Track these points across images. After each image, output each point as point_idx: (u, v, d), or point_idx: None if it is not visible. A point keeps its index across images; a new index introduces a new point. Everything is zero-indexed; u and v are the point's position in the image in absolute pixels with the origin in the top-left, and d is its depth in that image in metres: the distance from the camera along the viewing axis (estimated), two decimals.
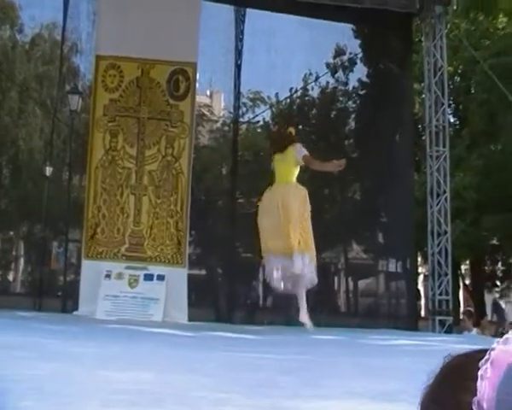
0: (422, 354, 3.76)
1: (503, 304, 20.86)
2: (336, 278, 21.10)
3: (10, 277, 20.18)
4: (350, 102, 16.72)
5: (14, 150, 15.86)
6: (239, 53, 9.55)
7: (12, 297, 15.72)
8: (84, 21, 10.36)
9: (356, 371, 2.60)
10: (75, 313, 7.93)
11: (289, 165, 6.20)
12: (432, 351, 4.14)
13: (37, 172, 15.33)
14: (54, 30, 16.00)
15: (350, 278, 19.09)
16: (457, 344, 5.22)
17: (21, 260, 19.83)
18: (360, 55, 14.71)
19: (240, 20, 9.62)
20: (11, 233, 18.42)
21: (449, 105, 11.58)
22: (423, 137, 13.06)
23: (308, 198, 6.15)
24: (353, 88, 16.18)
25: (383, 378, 2.35)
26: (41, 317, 7.11)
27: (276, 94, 17.35)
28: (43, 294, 9.98)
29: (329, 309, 16.54)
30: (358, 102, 16.13)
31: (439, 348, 4.57)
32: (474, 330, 9.04)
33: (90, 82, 10.15)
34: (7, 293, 17.92)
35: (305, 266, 5.52)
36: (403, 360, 3.20)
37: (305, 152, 6.18)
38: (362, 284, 20.38)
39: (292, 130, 6.77)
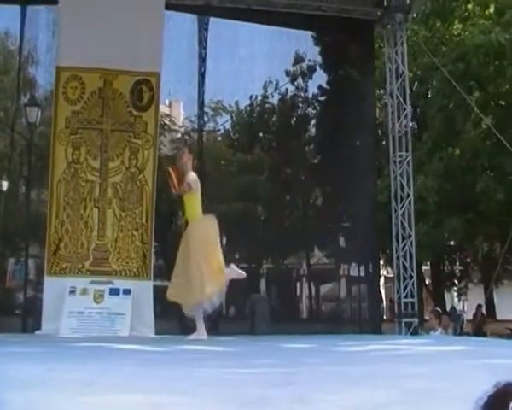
0: (402, 359, 3.79)
1: (459, 305, 21.49)
2: (298, 284, 21.22)
3: None
4: (310, 109, 16.86)
5: None
6: (202, 62, 9.49)
7: None
8: (43, 31, 10.09)
9: (341, 381, 2.57)
10: (37, 332, 7.70)
11: (188, 198, 6.39)
12: (409, 355, 4.18)
13: None
14: (7, 39, 15.62)
15: (312, 284, 19.22)
16: (430, 346, 5.30)
17: None
18: (320, 62, 14.86)
19: (203, 29, 9.57)
20: None
21: None
22: (383, 142, 13.30)
23: (216, 225, 6.22)
24: (313, 95, 16.33)
25: (371, 387, 2.32)
26: (3, 339, 6.83)
27: (237, 102, 17.41)
28: (2, 313, 9.64)
29: (291, 316, 16.61)
30: (319, 108, 16.29)
31: (415, 351, 4.61)
32: (439, 330, 9.20)
33: (48, 93, 9.92)
34: None
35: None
36: (384, 366, 3.19)
37: (188, 180, 6.32)
38: (324, 289, 20.53)
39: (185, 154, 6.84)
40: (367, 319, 10.56)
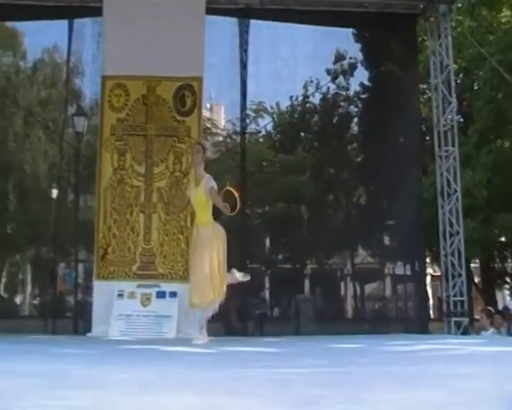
0: (454, 359, 3.72)
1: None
2: (343, 284, 21.04)
3: (17, 300, 20.21)
4: (352, 107, 16.75)
5: (20, 175, 15.94)
6: (244, 64, 9.54)
7: (20, 320, 15.73)
8: (88, 43, 10.41)
9: (393, 381, 2.54)
10: (88, 334, 7.90)
11: (202, 202, 6.05)
12: (461, 355, 4.10)
13: (43, 195, 15.41)
14: (55, 53, 16.15)
15: (357, 283, 19.03)
16: (484, 346, 5.17)
17: (29, 284, 19.85)
18: (361, 60, 14.72)
19: (244, 32, 9.62)
20: (18, 257, 18.48)
21: None
22: (427, 138, 13.05)
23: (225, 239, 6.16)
24: (355, 92, 16.22)
25: (425, 387, 2.29)
26: (55, 340, 7.05)
27: (278, 103, 17.43)
28: (54, 316, 9.95)
29: (336, 316, 16.51)
30: (361, 106, 16.16)
31: (466, 351, 4.52)
32: (491, 330, 8.95)
33: (94, 103, 10.18)
34: (15, 316, 17.91)
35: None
36: (436, 366, 3.14)
37: (212, 184, 5.99)
38: (368, 288, 20.30)
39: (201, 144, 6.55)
40: (413, 319, 10.39)
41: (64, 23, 10.04)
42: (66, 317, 10.84)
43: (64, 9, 9.68)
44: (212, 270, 5.86)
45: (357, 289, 19.17)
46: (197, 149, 6.31)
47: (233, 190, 6.10)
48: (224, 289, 6.02)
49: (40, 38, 14.70)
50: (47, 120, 15.88)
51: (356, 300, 18.69)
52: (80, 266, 11.63)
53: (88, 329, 8.09)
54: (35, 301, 18.63)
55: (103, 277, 8.28)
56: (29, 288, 19.57)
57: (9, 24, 15.35)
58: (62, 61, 13.36)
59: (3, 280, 18.73)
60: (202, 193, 5.97)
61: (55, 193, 12.48)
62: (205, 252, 5.90)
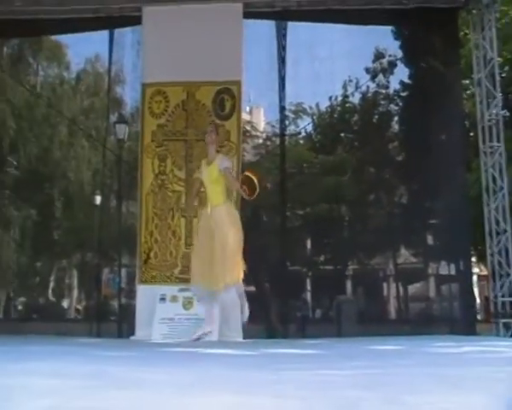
0: (499, 362, 3.61)
1: None
2: (385, 285, 20.75)
3: (65, 304, 20.81)
4: (392, 105, 16.54)
5: (65, 183, 16.44)
6: (282, 66, 9.54)
7: (67, 324, 16.19)
8: (128, 52, 10.63)
9: (435, 383, 2.49)
10: (132, 337, 8.03)
11: (215, 179, 5.87)
12: (507, 358, 3.97)
13: (87, 201, 15.83)
14: (97, 62, 16.60)
15: (400, 284, 18.74)
16: None
17: (75, 288, 20.42)
18: (401, 57, 14.52)
19: (281, 34, 9.63)
20: (64, 262, 19.04)
21: None
22: (471, 134, 12.74)
23: (239, 222, 5.99)
24: (395, 90, 16.01)
25: (467, 390, 2.24)
26: (99, 343, 7.21)
27: (317, 104, 17.35)
28: (99, 319, 10.18)
29: (379, 317, 16.29)
30: (401, 104, 15.93)
31: None
32: None
33: (134, 110, 10.38)
34: (62, 320, 18.44)
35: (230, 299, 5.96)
36: (480, 369, 3.06)
37: (227, 164, 5.87)
38: (412, 288, 19.94)
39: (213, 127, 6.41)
40: (459, 320, 10.11)
41: (104, 33, 10.28)
42: (110, 320, 11.07)
43: (104, 20, 9.91)
44: (223, 254, 5.67)
45: (400, 289, 18.86)
46: (211, 128, 6.32)
47: (251, 175, 5.94)
48: (241, 274, 5.82)
49: (82, 48, 15.18)
50: (90, 129, 16.32)
51: (399, 301, 18.41)
52: (124, 271, 11.86)
53: (131, 332, 8.23)
54: (79, 306, 19.13)
55: (146, 281, 8.41)
56: (75, 292, 20.12)
57: (53, 37, 15.87)
58: (104, 71, 13.70)
59: (51, 284, 19.31)
60: (216, 170, 5.85)
61: (98, 200, 12.77)
62: (219, 234, 5.71)
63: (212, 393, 2.17)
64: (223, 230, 5.73)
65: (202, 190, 6.45)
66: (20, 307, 19.24)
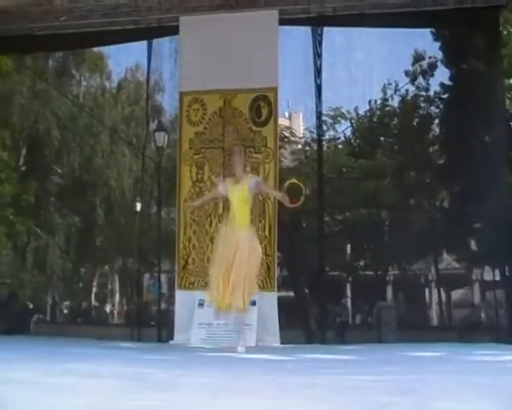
0: None
1: None
2: (427, 291, 20.39)
3: (107, 309, 21.29)
4: (432, 108, 16.31)
5: (107, 190, 16.85)
6: (319, 71, 9.53)
7: (109, 328, 16.56)
8: (166, 61, 10.87)
9: (467, 390, 2.46)
10: (171, 342, 8.14)
11: (244, 199, 5.81)
12: None
13: (128, 208, 16.17)
14: (137, 71, 17.00)
15: (442, 290, 18.38)
16: None
17: (117, 293, 20.88)
18: (441, 58, 14.31)
19: (317, 40, 9.62)
20: (107, 268, 19.51)
21: None
22: None
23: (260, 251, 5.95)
24: (435, 93, 15.79)
25: (501, 399, 2.21)
26: (139, 347, 7.35)
27: (356, 108, 17.25)
28: (140, 324, 10.35)
29: (420, 323, 16.00)
30: (442, 106, 15.69)
31: None
32: None
33: (173, 118, 10.56)
34: (105, 324, 18.88)
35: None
36: None
37: (257, 178, 5.91)
38: (455, 294, 19.53)
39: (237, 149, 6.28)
40: (506, 328, 9.84)
41: (144, 43, 10.52)
42: (150, 325, 11.25)
43: (143, 31, 10.13)
44: (237, 276, 5.58)
45: (443, 295, 18.51)
46: (238, 149, 6.27)
47: (297, 182, 5.87)
48: (247, 303, 5.71)
49: (123, 58, 15.59)
50: (131, 137, 16.69)
51: (441, 307, 18.07)
52: (163, 277, 12.03)
53: (171, 337, 8.34)
54: (120, 310, 19.52)
55: (184, 286, 8.51)
56: (117, 297, 20.57)
57: (95, 49, 16.35)
58: (144, 79, 13.99)
59: (94, 289, 19.80)
60: (246, 190, 5.76)
61: (139, 206, 13.02)
62: (240, 255, 5.63)
63: (245, 396, 2.22)
64: (243, 252, 5.67)
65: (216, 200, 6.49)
66: (65, 311, 19.81)
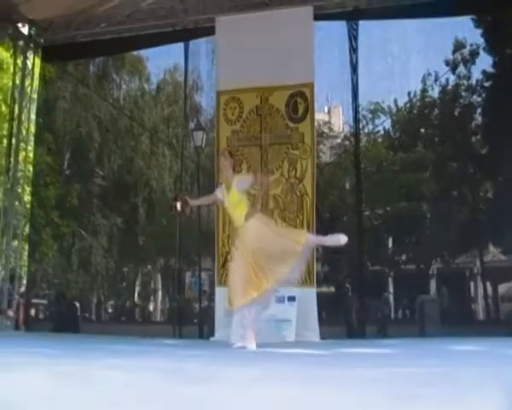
0: None
1: None
2: (472, 284, 19.96)
3: (151, 307, 21.72)
4: (474, 97, 15.98)
5: (148, 190, 17.21)
6: (354, 66, 9.48)
7: (153, 326, 16.90)
8: (203, 61, 11.07)
9: (497, 384, 2.45)
10: (211, 338, 8.27)
11: (238, 204, 5.85)
12: None
13: (168, 208, 16.40)
14: (175, 72, 17.27)
15: (488, 283, 17.95)
16: None
17: (159, 291, 21.26)
18: (483, 45, 13.97)
19: (352, 33, 9.56)
20: (149, 267, 19.89)
21: None
22: None
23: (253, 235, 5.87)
24: (477, 81, 15.46)
25: None
26: (179, 343, 7.50)
27: (395, 100, 17.05)
28: (181, 322, 10.53)
29: (465, 317, 15.67)
30: (484, 95, 15.35)
31: None
32: None
33: (212, 116, 10.70)
34: (149, 322, 19.28)
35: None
36: None
37: (242, 184, 5.84)
38: (502, 288, 19.04)
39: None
40: None
41: (181, 45, 10.71)
42: (192, 323, 11.42)
43: (181, 33, 10.31)
44: (241, 273, 5.65)
45: (489, 289, 18.10)
46: (224, 154, 6.33)
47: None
48: (244, 301, 5.67)
49: (161, 60, 15.86)
50: (170, 137, 16.97)
51: (487, 301, 17.67)
52: (204, 274, 12.19)
53: (211, 333, 8.48)
54: (163, 308, 19.87)
55: (224, 283, 8.58)
56: (160, 295, 20.94)
57: (135, 53, 16.70)
58: (182, 80, 14.21)
59: (137, 288, 20.23)
60: (235, 193, 5.81)
61: (179, 206, 13.19)
62: (238, 254, 5.79)
63: (274, 388, 2.28)
64: (239, 252, 5.80)
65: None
66: (109, 310, 20.32)
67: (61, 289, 15.64)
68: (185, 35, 10.45)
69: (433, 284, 18.58)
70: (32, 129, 11.53)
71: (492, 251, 17.03)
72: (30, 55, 10.86)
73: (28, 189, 12.00)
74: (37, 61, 11.03)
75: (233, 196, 5.85)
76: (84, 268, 16.31)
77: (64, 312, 12.32)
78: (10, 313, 10.47)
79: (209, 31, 9.97)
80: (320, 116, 18.83)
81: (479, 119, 16.28)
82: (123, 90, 18.12)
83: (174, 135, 16.59)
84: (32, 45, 10.85)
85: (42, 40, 10.88)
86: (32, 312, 14.87)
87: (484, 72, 15.07)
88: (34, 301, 15.75)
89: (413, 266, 17.68)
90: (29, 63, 10.86)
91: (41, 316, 16.47)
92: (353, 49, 9.80)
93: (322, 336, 7.94)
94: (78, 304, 12.94)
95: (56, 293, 15.63)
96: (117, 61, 17.26)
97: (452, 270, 17.61)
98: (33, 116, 11.53)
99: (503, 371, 2.94)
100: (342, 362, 3.76)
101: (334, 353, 4.85)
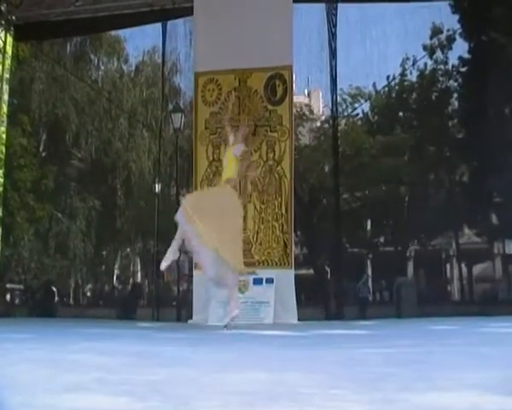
0: None
1: None
2: (448, 265, 20.29)
3: (129, 290, 21.60)
4: (451, 82, 16.10)
5: (127, 173, 17.01)
6: (333, 49, 9.47)
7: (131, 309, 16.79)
8: (181, 42, 10.92)
9: (471, 361, 2.49)
10: (189, 321, 8.28)
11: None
12: None
13: (147, 190, 16.29)
14: (154, 54, 17.03)
15: (463, 264, 18.26)
16: None
17: (138, 275, 21.16)
18: (459, 31, 14.04)
19: (331, 17, 9.52)
20: (128, 250, 19.75)
21: None
22: None
23: None
24: (453, 66, 15.55)
25: (503, 367, 2.24)
26: (156, 326, 7.49)
27: (374, 84, 17.10)
28: (160, 305, 10.51)
29: (441, 298, 15.94)
30: (460, 80, 15.46)
31: None
32: None
33: (191, 99, 10.59)
34: (126, 305, 19.08)
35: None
36: None
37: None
38: (476, 269, 19.39)
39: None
40: None
41: (158, 25, 10.56)
42: (171, 305, 11.40)
43: (158, 13, 10.16)
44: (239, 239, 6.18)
45: (464, 270, 18.39)
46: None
47: None
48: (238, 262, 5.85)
49: (139, 42, 15.65)
50: (149, 119, 16.76)
51: (462, 282, 17.96)
52: (183, 257, 12.12)
53: (189, 316, 8.48)
54: (142, 292, 19.76)
55: None
56: (138, 278, 20.84)
57: (112, 32, 16.41)
58: (161, 61, 14.02)
59: (116, 272, 20.10)
60: (231, 155, 6.33)
61: (157, 187, 13.11)
62: (231, 211, 6.22)
63: (246, 370, 2.28)
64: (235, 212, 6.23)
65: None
66: (88, 294, 20.18)
67: (37, 274, 15.46)
68: (163, 15, 10.32)
69: (410, 265, 18.82)
70: (5, 109, 11.28)
71: (468, 233, 17.29)
72: (1, 32, 10.58)
73: (1, 171, 11.74)
74: (10, 40, 10.76)
75: (229, 155, 6.31)
76: (61, 252, 16.12)
77: (41, 297, 12.20)
78: None
79: (187, 11, 9.84)
80: (300, 99, 18.78)
81: (455, 103, 16.43)
82: (101, 72, 17.84)
83: (153, 117, 16.40)
84: (2, 22, 10.57)
85: (14, 17, 10.61)
86: (8, 297, 14.72)
87: (460, 57, 15.17)
88: (9, 286, 15.57)
89: (391, 249, 17.87)
90: (0, 42, 10.58)
91: (17, 301, 16.28)
92: (332, 34, 9.78)
93: (302, 318, 7.99)
94: (55, 289, 12.82)
95: (32, 278, 15.44)
96: (95, 42, 16.95)
97: (429, 252, 17.84)
98: (6, 96, 11.26)
99: (476, 350, 2.98)
100: (319, 344, 3.78)
101: (311, 335, 4.88)
